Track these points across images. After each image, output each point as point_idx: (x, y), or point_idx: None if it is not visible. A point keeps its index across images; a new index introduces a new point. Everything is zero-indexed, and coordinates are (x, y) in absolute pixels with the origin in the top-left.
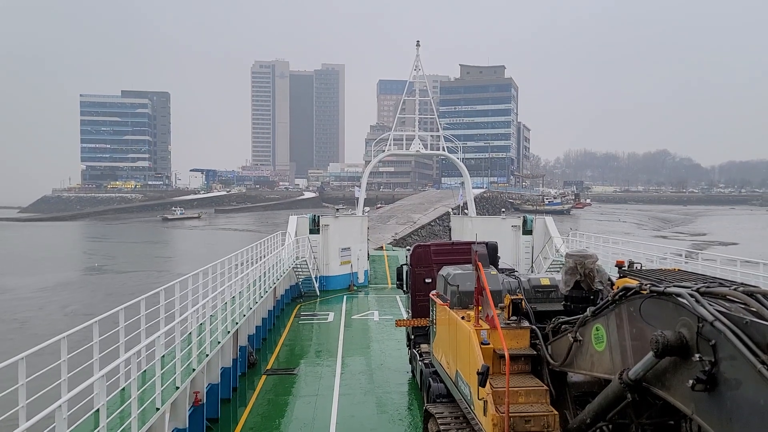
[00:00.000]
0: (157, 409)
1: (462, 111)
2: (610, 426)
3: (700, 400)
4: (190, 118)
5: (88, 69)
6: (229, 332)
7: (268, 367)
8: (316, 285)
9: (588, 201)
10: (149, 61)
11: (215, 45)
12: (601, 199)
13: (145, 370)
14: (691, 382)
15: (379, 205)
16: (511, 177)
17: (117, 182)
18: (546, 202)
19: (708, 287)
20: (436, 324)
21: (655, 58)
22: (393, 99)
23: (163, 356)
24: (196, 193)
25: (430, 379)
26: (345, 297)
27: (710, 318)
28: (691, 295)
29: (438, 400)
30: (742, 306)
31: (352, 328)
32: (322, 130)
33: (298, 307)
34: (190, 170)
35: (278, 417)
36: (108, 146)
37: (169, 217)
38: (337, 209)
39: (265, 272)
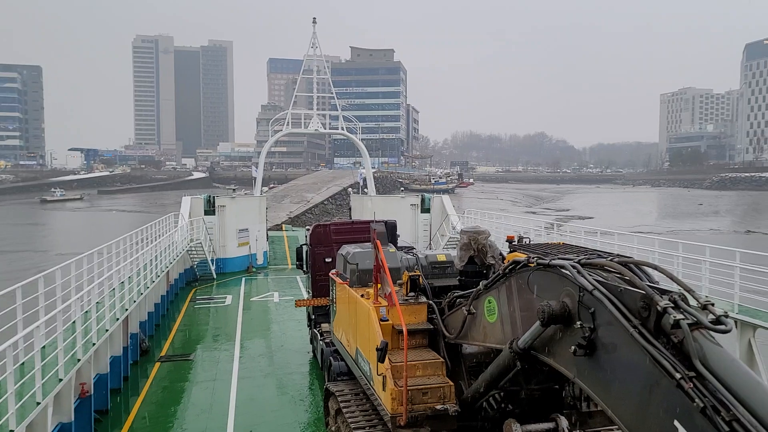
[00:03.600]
0: (38, 403)
1: (353, 92)
2: (502, 394)
3: (581, 365)
4: (66, 94)
5: None
6: (118, 319)
7: (162, 353)
8: (213, 268)
9: (471, 180)
10: (17, 33)
11: (92, 16)
12: (484, 179)
13: (23, 363)
14: (573, 347)
15: (272, 185)
16: (401, 158)
17: None
18: (433, 181)
19: (588, 259)
20: (336, 303)
21: (537, 46)
22: (284, 78)
23: (44, 347)
24: (75, 174)
25: (330, 357)
26: (243, 279)
27: (590, 287)
28: (573, 267)
29: (339, 379)
30: (618, 275)
31: (251, 311)
32: (211, 108)
33: (193, 291)
34: (69, 149)
35: (174, 404)
36: None
37: (49, 198)
38: (234, 189)
39: (157, 255)
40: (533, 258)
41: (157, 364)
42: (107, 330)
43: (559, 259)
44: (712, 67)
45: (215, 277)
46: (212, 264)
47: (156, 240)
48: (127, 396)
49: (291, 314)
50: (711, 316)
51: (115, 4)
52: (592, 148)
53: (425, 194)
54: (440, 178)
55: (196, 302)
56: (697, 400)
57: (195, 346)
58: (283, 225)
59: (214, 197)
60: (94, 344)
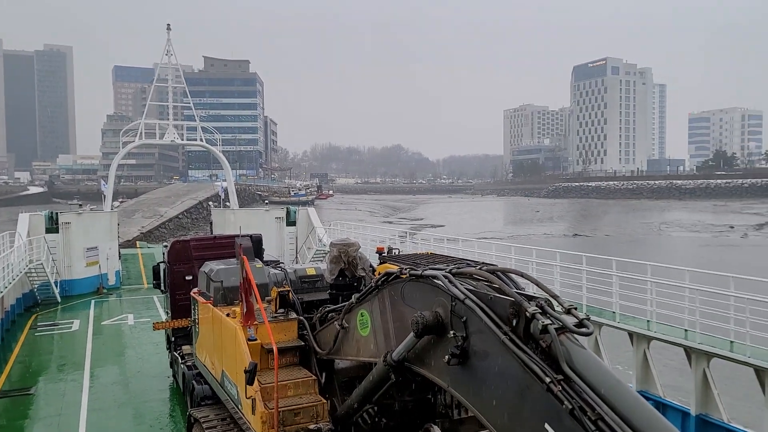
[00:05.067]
0: None
1: (208, 103)
2: (376, 407)
3: (454, 374)
4: None
5: None
6: None
7: None
8: (57, 290)
9: (330, 192)
10: None
11: None
12: (344, 190)
13: None
14: (447, 357)
15: (122, 199)
16: (260, 170)
17: None
18: (292, 193)
19: (458, 268)
20: (198, 324)
21: (391, 61)
22: (132, 87)
23: None
24: None
25: (193, 381)
26: (93, 301)
27: (461, 296)
28: (445, 277)
29: (203, 404)
30: (487, 284)
31: (103, 335)
32: (48, 117)
33: (34, 317)
34: None
35: None
36: None
37: None
38: (80, 205)
39: None
40: (405, 269)
41: None
42: None
43: (430, 269)
44: (548, 85)
45: (59, 300)
46: (56, 286)
47: None
48: None
49: (148, 337)
50: (574, 320)
51: None
52: (445, 160)
53: (290, 207)
54: (300, 189)
55: (37, 329)
56: (566, 402)
57: (36, 379)
58: (137, 242)
59: (57, 213)
60: None
